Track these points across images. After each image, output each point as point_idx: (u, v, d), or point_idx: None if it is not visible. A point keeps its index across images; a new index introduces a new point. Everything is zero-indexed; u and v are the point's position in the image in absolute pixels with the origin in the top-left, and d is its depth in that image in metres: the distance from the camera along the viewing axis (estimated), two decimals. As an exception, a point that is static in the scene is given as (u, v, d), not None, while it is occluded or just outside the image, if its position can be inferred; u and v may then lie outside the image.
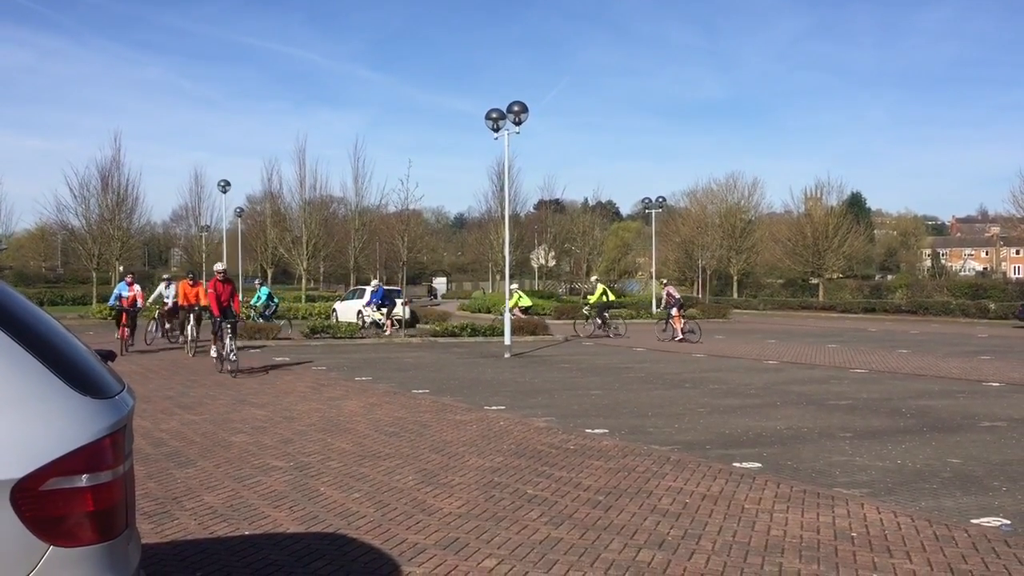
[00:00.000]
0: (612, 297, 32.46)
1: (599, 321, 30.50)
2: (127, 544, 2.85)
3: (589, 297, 32.21)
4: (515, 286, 33.66)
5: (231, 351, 16.59)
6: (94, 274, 47.67)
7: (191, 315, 21.29)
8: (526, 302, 34.78)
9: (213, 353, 17.69)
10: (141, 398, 12.95)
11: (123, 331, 21.51)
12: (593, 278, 36.82)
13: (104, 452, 2.67)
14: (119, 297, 21.91)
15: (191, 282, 21.92)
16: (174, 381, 15.69)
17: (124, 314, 21.66)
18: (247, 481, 7.77)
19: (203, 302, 19.37)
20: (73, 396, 2.68)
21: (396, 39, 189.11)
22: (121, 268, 34.26)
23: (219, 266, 18.11)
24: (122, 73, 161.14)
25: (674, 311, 28.37)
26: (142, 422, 10.82)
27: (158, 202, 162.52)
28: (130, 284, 22.05)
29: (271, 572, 5.30)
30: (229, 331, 16.73)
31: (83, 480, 2.61)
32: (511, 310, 25.91)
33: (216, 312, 16.92)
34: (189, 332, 21.21)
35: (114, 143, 49.39)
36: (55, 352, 2.81)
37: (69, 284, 59.34)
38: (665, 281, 32.57)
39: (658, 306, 34.31)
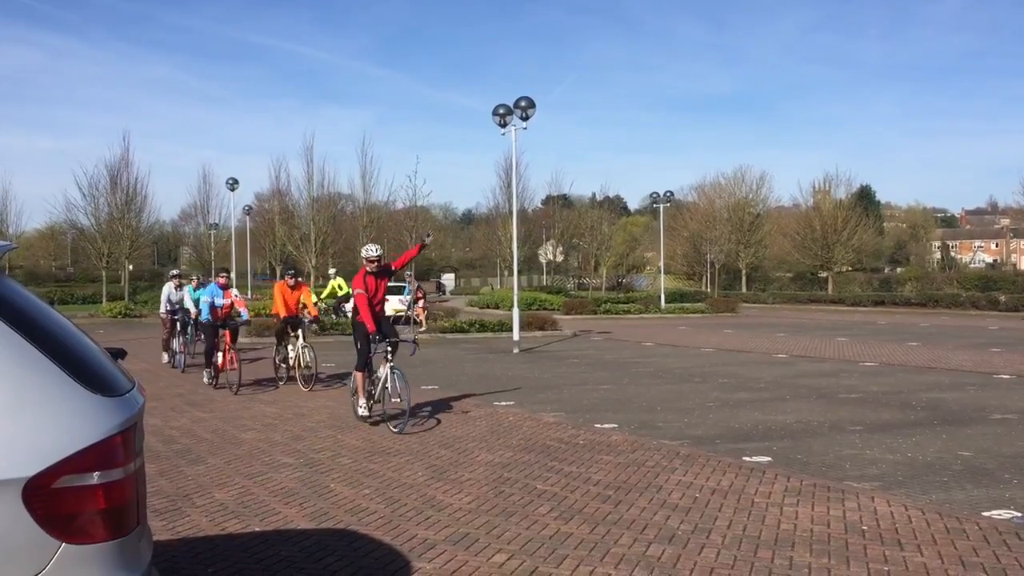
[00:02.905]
0: (344, 291, 26.24)
1: (334, 317, 26.76)
2: (139, 541, 2.86)
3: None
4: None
5: (309, 361, 14.06)
6: (104, 273, 47.78)
7: (296, 329, 14.41)
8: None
9: (283, 374, 14.74)
10: (151, 396, 12.99)
11: (227, 358, 14.03)
12: (331, 270, 29.76)
13: (115, 450, 2.69)
14: (212, 307, 14.38)
15: (292, 280, 14.64)
16: (184, 379, 15.73)
17: (219, 331, 14.31)
18: (257, 478, 7.80)
19: (311, 311, 14.75)
20: (84, 394, 2.69)
21: (403, 36, 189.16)
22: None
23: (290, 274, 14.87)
24: (131, 72, 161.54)
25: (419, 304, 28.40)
26: (153, 420, 10.87)
27: (167, 200, 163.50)
28: (225, 286, 14.69)
29: (282, 568, 5.31)
30: (300, 339, 14.20)
31: (94, 478, 2.62)
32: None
33: (284, 315, 14.28)
34: (299, 355, 14.24)
35: (123, 142, 49.71)
36: (66, 350, 2.83)
37: (79, 283, 59.52)
38: (410, 273, 29.36)
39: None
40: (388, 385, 10.32)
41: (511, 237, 31.06)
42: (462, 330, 27.54)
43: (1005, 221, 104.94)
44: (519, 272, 30.25)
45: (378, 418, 10.59)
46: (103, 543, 2.64)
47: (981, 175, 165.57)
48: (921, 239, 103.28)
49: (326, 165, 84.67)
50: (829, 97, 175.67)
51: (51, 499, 2.55)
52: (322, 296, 26.37)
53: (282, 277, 15.27)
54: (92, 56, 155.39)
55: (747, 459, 8.66)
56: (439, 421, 10.90)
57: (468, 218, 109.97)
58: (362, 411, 10.62)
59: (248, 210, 61.05)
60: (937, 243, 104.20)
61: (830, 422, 10.93)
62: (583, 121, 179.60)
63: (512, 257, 28.80)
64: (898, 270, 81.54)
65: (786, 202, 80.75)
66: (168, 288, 18.55)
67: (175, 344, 17.81)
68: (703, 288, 66.21)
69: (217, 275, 14.83)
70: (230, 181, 48.64)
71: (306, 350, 14.14)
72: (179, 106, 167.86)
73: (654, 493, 7.21)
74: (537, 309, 38.79)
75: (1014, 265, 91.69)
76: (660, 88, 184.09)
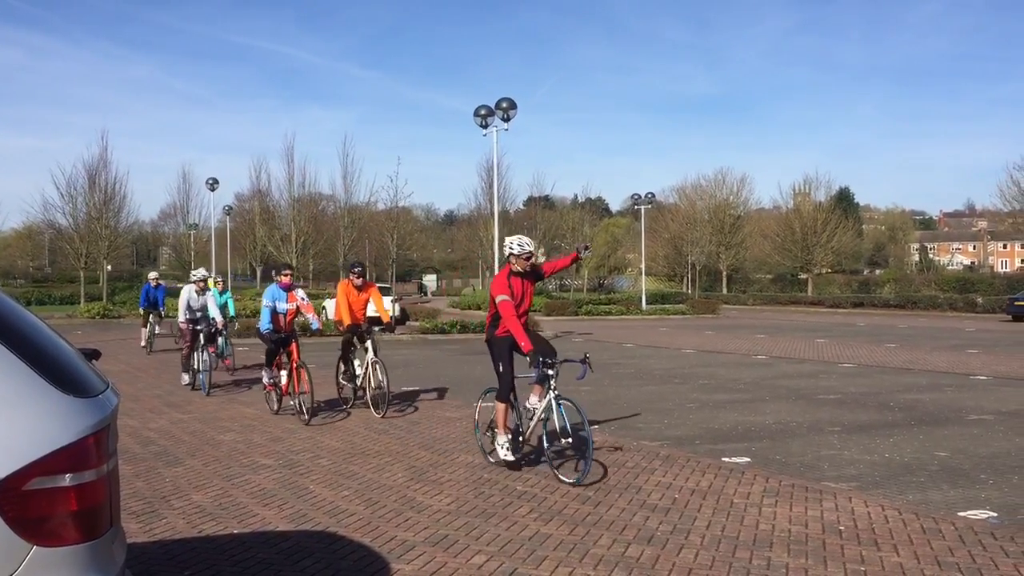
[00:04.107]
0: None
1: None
2: (112, 543, 2.84)
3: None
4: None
5: (382, 380, 11.22)
6: (82, 273, 47.43)
7: (365, 340, 11.70)
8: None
9: (349, 395, 12.11)
10: (129, 397, 12.91)
11: (295, 378, 11.13)
12: (199, 272, 26.26)
13: (88, 451, 2.66)
14: (274, 314, 11.33)
15: (358, 279, 11.80)
16: (162, 380, 15.62)
17: (283, 345, 11.40)
18: (236, 479, 7.75)
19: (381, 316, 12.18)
20: (56, 395, 2.66)
21: (386, 36, 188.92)
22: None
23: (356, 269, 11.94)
24: (111, 71, 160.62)
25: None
26: (130, 421, 10.79)
27: (146, 200, 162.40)
28: (288, 287, 11.59)
29: (260, 570, 5.28)
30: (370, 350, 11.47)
31: (66, 479, 2.59)
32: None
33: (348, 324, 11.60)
34: (368, 372, 11.57)
35: (101, 141, 49.12)
36: (38, 351, 2.79)
37: (57, 283, 59.06)
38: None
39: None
40: (556, 421, 7.75)
41: (493, 238, 31.04)
42: (443, 331, 27.50)
43: (982, 223, 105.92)
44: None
45: (521, 460, 8.24)
46: (75, 545, 2.62)
47: (959, 178, 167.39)
48: (899, 241, 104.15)
49: (307, 165, 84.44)
50: (810, 100, 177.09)
51: (22, 501, 2.52)
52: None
53: (346, 275, 12.17)
54: (73, 55, 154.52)
55: (726, 460, 8.69)
56: (419, 422, 10.87)
57: (450, 219, 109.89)
58: (505, 453, 8.06)
59: (228, 210, 60.82)
60: (915, 245, 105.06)
61: (809, 423, 10.99)
62: (565, 122, 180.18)
63: (494, 258, 28.78)
64: (877, 272, 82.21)
65: (766, 204, 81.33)
66: (188, 292, 14.84)
67: (196, 360, 14.08)
68: (684, 290, 66.51)
69: (279, 273, 11.66)
70: (210, 181, 48.44)
71: (377, 366, 11.34)
72: (160, 106, 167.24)
73: (633, 494, 7.22)
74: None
75: (991, 267, 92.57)
76: (642, 90, 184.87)
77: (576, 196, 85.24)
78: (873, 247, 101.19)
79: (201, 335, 14.06)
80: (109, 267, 51.36)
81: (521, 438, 8.25)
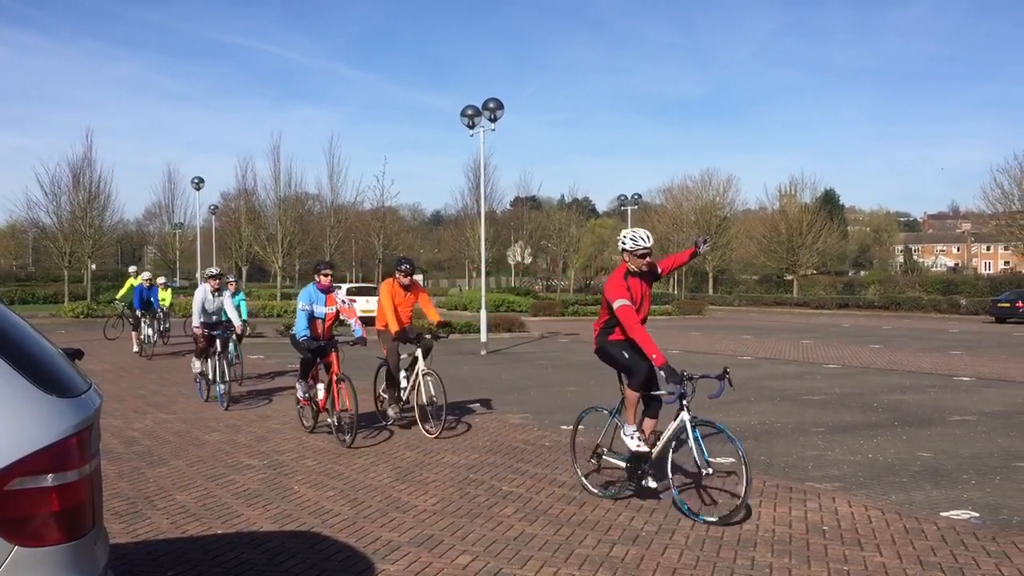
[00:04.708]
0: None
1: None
2: (94, 544, 2.82)
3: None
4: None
5: (435, 394, 10.00)
6: (66, 272, 47.10)
7: (419, 348, 10.39)
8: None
9: (392, 412, 10.48)
10: (113, 397, 12.84)
11: (336, 393, 9.61)
12: (132, 268, 25.45)
13: (70, 451, 2.65)
14: (311, 319, 9.91)
15: (406, 278, 10.47)
16: (147, 380, 15.55)
17: (322, 355, 9.91)
18: (220, 480, 7.72)
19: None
20: (38, 395, 2.65)
21: (374, 36, 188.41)
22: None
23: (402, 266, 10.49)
24: (97, 69, 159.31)
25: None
26: (114, 421, 10.73)
27: (132, 199, 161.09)
28: (328, 289, 10.11)
29: (244, 571, 5.26)
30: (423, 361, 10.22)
31: (48, 480, 2.58)
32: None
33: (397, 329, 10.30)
34: (419, 385, 10.21)
35: (86, 140, 48.89)
36: (19, 350, 2.78)
37: (41, 282, 58.63)
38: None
39: None
40: (694, 452, 6.38)
41: (479, 238, 31.05)
42: (429, 331, 27.42)
43: (966, 225, 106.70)
44: (487, 274, 30.30)
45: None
46: (57, 546, 2.61)
47: (943, 180, 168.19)
48: (884, 243, 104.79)
49: (293, 165, 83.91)
50: (796, 101, 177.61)
51: (4, 501, 2.50)
52: (118, 296, 24.32)
53: (393, 273, 10.57)
54: (58, 53, 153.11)
55: (711, 460, 8.69)
56: (405, 424, 10.86)
57: (437, 219, 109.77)
58: (637, 444, 6.80)
59: (214, 209, 60.57)
60: (900, 247, 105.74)
61: (793, 423, 11.04)
62: (552, 123, 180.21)
63: (480, 259, 28.79)
64: (862, 273, 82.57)
65: (752, 205, 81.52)
66: (203, 293, 12.79)
67: (211, 369, 12.54)
68: (670, 290, 66.60)
69: (316, 272, 10.03)
70: (196, 180, 48.23)
71: (429, 379, 10.05)
72: (145, 104, 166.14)
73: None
74: (505, 311, 38.82)
75: (975, 269, 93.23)
76: (629, 91, 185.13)
77: (563, 197, 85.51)
78: (858, 248, 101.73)
79: (218, 341, 12.37)
80: (93, 266, 51.06)
81: (639, 470, 6.90)
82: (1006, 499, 7.14)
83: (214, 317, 12.86)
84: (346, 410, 9.34)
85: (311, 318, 9.86)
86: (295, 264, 59.85)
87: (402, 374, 10.37)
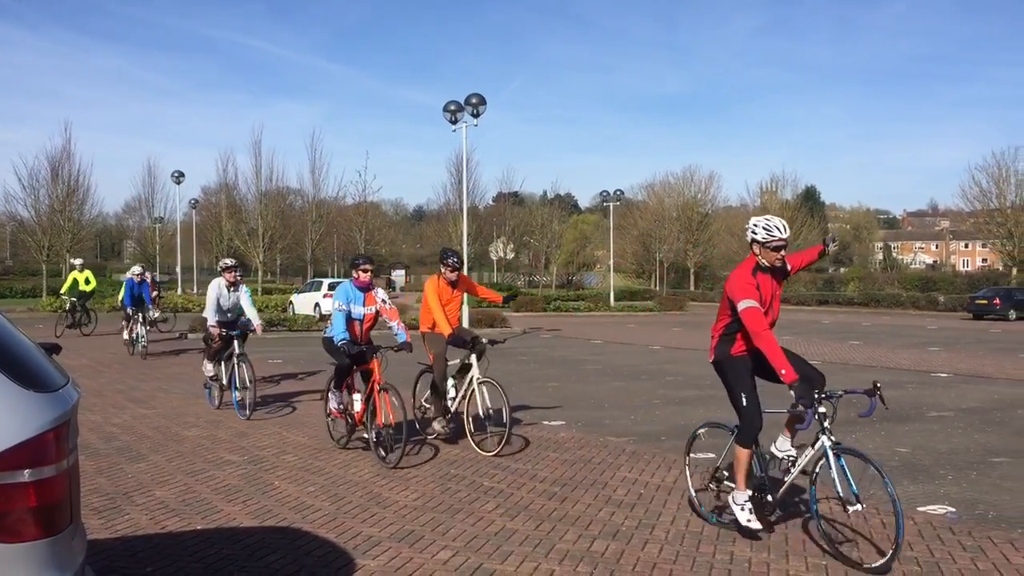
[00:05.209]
0: (92, 286, 23.58)
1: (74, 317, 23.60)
2: (71, 540, 2.81)
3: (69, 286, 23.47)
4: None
5: (491, 404, 8.85)
6: (44, 266, 46.69)
7: (472, 353, 9.27)
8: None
9: (439, 426, 9.27)
10: (92, 392, 12.75)
11: (380, 404, 8.26)
12: (77, 261, 24.85)
13: (47, 447, 2.63)
14: (349, 320, 8.67)
15: (452, 273, 9.30)
16: (126, 375, 15.44)
17: (358, 359, 8.72)
18: (200, 475, 7.69)
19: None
20: (14, 390, 2.63)
21: (356, 31, 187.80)
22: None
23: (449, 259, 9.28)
24: (77, 62, 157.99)
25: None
26: (92, 416, 10.65)
27: (111, 193, 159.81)
28: (367, 287, 8.84)
29: (224, 567, 5.24)
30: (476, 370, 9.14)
31: (25, 475, 2.56)
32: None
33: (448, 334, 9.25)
34: (475, 394, 9.07)
35: (64, 133, 48.42)
36: (-5, 345, 2.76)
37: (19, 276, 58.12)
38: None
39: None
40: (837, 483, 5.40)
41: (462, 234, 31.03)
42: (412, 327, 27.36)
43: (945, 223, 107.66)
44: (470, 269, 30.26)
45: (770, 524, 6.13)
46: (34, 542, 2.59)
47: (923, 178, 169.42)
48: (864, 240, 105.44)
49: (275, 159, 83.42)
50: (777, 99, 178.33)
51: (-21, 497, 2.49)
52: (61, 291, 24.03)
53: (440, 266, 9.37)
54: (36, 45, 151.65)
55: (692, 456, 8.73)
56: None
57: (419, 214, 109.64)
58: (747, 518, 5.81)
59: (194, 204, 60.20)
60: (879, 244, 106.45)
61: (773, 420, 11.07)
62: (535, 119, 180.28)
63: (462, 254, 28.79)
64: (841, 270, 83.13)
65: (734, 202, 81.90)
66: (217, 288, 11.33)
67: (226, 374, 11.29)
68: (652, 286, 66.86)
69: (354, 266, 8.87)
70: (176, 174, 47.92)
71: (485, 387, 8.91)
72: (125, 97, 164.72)
73: (599, 489, 7.26)
74: (487, 306, 38.79)
75: (953, 266, 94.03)
76: (612, 87, 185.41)
77: (545, 192, 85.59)
78: (838, 246, 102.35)
79: (236, 342, 11.07)
80: (72, 260, 50.67)
81: (769, 497, 5.90)
82: (982, 494, 7.21)
83: (229, 315, 11.47)
84: (389, 425, 8.17)
85: (349, 319, 8.68)
86: (276, 259, 59.55)
87: (449, 382, 9.27)
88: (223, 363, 11.32)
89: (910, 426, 10.57)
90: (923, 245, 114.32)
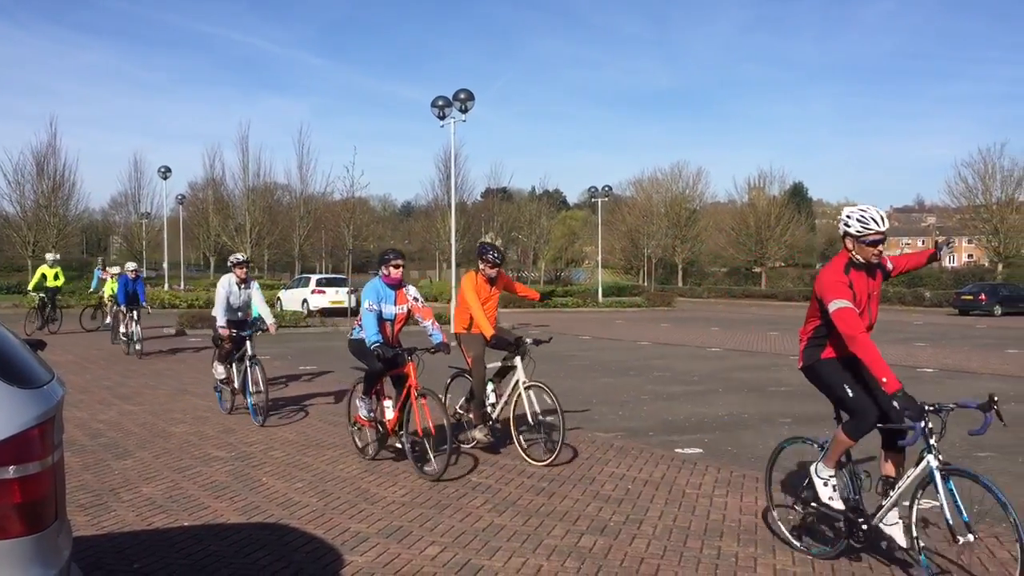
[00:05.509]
0: (61, 282, 22.99)
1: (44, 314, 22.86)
2: (57, 536, 2.79)
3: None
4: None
5: (538, 411, 8.19)
6: (29, 261, 46.47)
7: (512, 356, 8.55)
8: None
9: (481, 434, 8.45)
10: (78, 388, 12.68)
11: (417, 412, 7.76)
12: (49, 255, 24.58)
13: (32, 443, 2.61)
14: (380, 320, 8.01)
15: (492, 269, 8.56)
16: (112, 371, 15.37)
17: (391, 363, 7.97)
18: (187, 472, 7.66)
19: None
20: (-1, 386, 2.61)
21: (344, 26, 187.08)
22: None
23: (488, 248, 8.60)
24: (63, 56, 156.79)
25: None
26: (78, 413, 10.60)
27: (97, 189, 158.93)
28: (398, 284, 8.14)
29: (210, 563, 5.23)
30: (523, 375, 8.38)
31: (10, 472, 2.54)
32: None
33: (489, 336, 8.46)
34: (523, 403, 8.23)
35: (50, 128, 48.18)
36: (-20, 341, 2.74)
37: (3, 272, 57.76)
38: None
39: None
40: (946, 512, 4.73)
41: (450, 230, 31.00)
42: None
43: (931, 219, 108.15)
44: (458, 265, 30.24)
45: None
46: (19, 538, 2.57)
47: (909, 174, 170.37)
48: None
49: (262, 155, 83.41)
50: (765, 96, 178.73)
51: (-36, 494, 2.47)
52: (30, 286, 23.37)
53: (478, 262, 8.64)
54: (20, 39, 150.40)
55: (679, 451, 8.78)
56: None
57: (407, 210, 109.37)
58: (831, 497, 5.44)
59: (181, 199, 59.95)
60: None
61: (760, 415, 11.15)
62: (523, 115, 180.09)
63: (451, 250, 28.73)
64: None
65: (722, 198, 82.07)
66: (227, 284, 10.73)
67: (238, 377, 10.54)
68: (640, 282, 66.97)
69: (383, 262, 8.05)
70: (162, 169, 47.71)
71: (532, 392, 8.24)
72: (112, 92, 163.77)
73: (587, 485, 7.28)
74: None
75: (939, 262, 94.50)
76: (600, 83, 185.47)
77: (533, 188, 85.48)
78: (825, 241, 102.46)
79: (248, 343, 10.37)
80: (58, 256, 50.38)
81: (864, 525, 5.21)
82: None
83: (239, 314, 10.86)
84: (431, 433, 7.64)
85: (380, 319, 7.96)
86: (264, 255, 59.42)
87: (489, 386, 8.57)
88: (234, 365, 10.62)
89: (896, 421, 10.62)
90: (909, 241, 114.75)
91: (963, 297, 40.69)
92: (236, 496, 6.83)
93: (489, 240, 8.73)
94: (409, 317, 8.33)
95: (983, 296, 39.71)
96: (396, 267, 8.01)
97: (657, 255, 67.57)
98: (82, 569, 3.83)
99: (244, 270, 10.83)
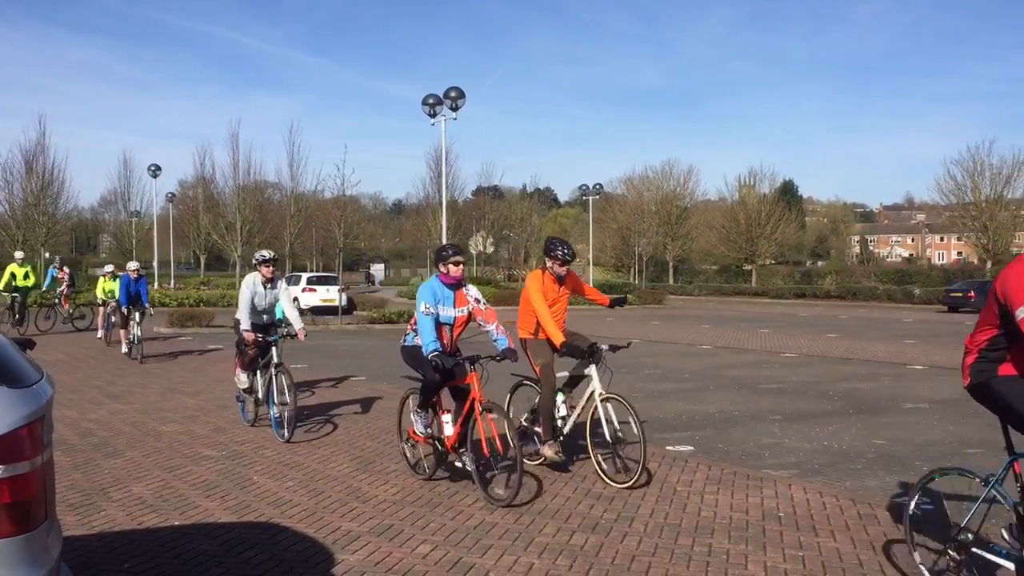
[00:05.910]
0: (31, 281, 22.22)
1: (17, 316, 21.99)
2: (46, 536, 2.78)
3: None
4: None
5: (618, 427, 7.29)
6: (18, 261, 46.22)
7: (585, 364, 7.78)
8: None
9: (551, 451, 7.63)
10: (68, 388, 12.63)
11: (480, 422, 6.86)
12: (19, 254, 24.21)
13: (21, 442, 2.60)
14: (438, 324, 7.27)
15: (561, 266, 7.95)
16: (102, 370, 15.32)
17: (450, 374, 7.18)
18: (178, 471, 7.64)
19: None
20: (-13, 385, 2.60)
21: (334, 23, 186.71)
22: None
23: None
24: (51, 54, 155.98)
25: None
26: (68, 412, 10.56)
27: (86, 187, 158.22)
28: (458, 283, 7.38)
29: (201, 562, 5.22)
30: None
31: (-1, 471, 2.53)
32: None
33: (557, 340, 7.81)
34: (600, 415, 7.38)
35: (39, 126, 47.93)
36: (-32, 340, 2.73)
37: (-8, 271, 57.44)
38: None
39: None
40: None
41: (441, 228, 30.97)
42: (391, 321, 27.39)
43: (921, 216, 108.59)
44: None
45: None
46: (8, 538, 2.56)
47: (899, 172, 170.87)
48: (841, 233, 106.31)
49: (253, 153, 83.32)
50: (755, 93, 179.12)
51: (-48, 494, 2.46)
52: (0, 287, 21.79)
53: (544, 259, 8.02)
54: (9, 37, 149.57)
55: (670, 448, 8.80)
56: (366, 412, 10.82)
57: (398, 208, 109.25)
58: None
59: (171, 198, 59.72)
60: (856, 237, 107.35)
61: (751, 412, 11.18)
62: (514, 113, 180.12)
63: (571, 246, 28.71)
64: (819, 263, 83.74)
65: (712, 196, 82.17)
66: (252, 284, 9.68)
67: (262, 386, 9.59)
68: (631, 280, 67.01)
69: (441, 260, 7.27)
70: (152, 168, 47.57)
71: (611, 405, 7.37)
72: (101, 90, 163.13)
73: (578, 483, 7.28)
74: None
75: (929, 259, 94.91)
76: (591, 81, 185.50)
77: (525, 186, 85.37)
78: (815, 239, 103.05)
79: (274, 350, 9.40)
80: (47, 254, 50.20)
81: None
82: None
83: (265, 317, 9.83)
84: (497, 452, 6.89)
85: (438, 323, 7.18)
86: (254, 253, 59.26)
87: (559, 397, 7.83)
88: (259, 373, 9.65)
89: (886, 418, 10.68)
90: (899, 238, 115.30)
91: (952, 294, 40.82)
92: (227, 495, 6.82)
93: (558, 237, 7.93)
94: (470, 320, 7.55)
95: (972, 293, 39.82)
96: (456, 264, 7.19)
97: (648, 253, 67.60)
98: (72, 569, 3.82)
99: (271, 268, 9.69)
